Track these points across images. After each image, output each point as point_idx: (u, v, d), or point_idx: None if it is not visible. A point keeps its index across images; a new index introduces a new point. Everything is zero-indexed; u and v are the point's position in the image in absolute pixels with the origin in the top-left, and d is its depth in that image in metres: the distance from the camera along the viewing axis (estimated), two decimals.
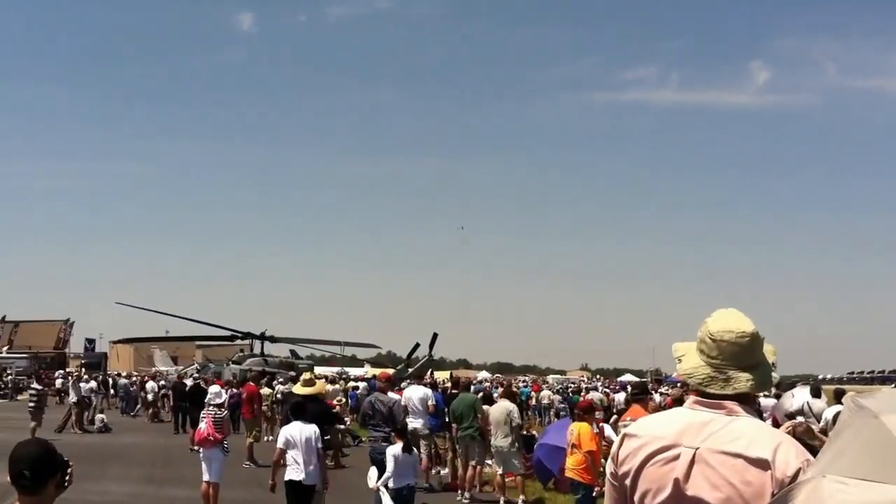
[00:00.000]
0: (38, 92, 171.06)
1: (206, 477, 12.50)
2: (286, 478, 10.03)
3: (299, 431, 10.07)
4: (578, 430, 10.78)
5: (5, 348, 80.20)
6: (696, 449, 2.50)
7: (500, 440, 13.95)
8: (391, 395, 13.19)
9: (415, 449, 10.53)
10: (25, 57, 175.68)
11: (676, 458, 2.53)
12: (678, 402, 13.93)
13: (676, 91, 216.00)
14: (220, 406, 13.22)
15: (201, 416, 13.09)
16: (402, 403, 14.06)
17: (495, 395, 21.02)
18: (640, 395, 11.34)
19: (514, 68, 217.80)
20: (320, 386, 13.84)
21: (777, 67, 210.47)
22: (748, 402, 2.62)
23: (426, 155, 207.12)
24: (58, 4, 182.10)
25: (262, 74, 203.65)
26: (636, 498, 2.63)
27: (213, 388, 13.96)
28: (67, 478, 3.84)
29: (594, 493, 10.65)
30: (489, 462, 15.71)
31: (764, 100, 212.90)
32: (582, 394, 31.82)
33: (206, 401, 13.37)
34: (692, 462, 2.49)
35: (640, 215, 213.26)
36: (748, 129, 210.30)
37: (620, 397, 28.93)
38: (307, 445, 9.97)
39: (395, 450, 10.07)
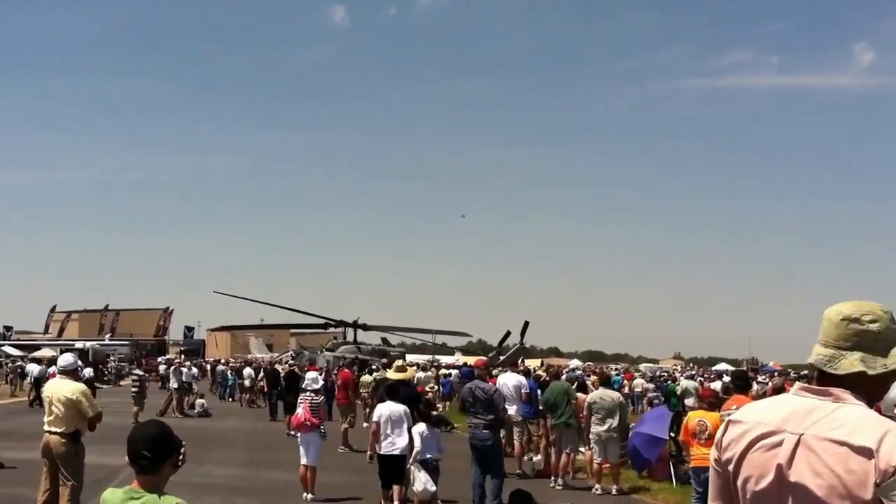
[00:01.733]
0: (137, 86, 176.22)
1: (303, 461, 12.77)
2: (379, 451, 11.52)
3: (390, 410, 11.51)
4: (713, 421, 10.52)
5: (108, 336, 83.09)
6: (801, 435, 2.46)
7: (605, 428, 13.91)
8: (490, 383, 13.28)
9: (437, 428, 11.62)
10: (124, 53, 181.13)
11: (780, 444, 2.50)
12: (779, 390, 13.65)
13: (776, 75, 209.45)
14: (316, 392, 13.45)
15: (298, 401, 13.37)
16: None
17: (588, 382, 20.88)
18: (742, 384, 11.10)
19: (605, 56, 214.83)
20: (411, 372, 15.22)
21: (882, 49, 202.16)
22: (861, 390, 2.56)
23: (516, 144, 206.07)
24: (156, 1, 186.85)
25: (353, 66, 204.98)
26: (739, 483, 2.60)
27: (311, 375, 14.19)
28: (181, 458, 3.99)
29: None
30: (581, 449, 15.66)
31: (868, 82, 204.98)
32: (678, 382, 31.36)
33: (303, 386, 13.64)
34: (795, 448, 2.46)
35: (736, 203, 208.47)
36: (852, 112, 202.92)
37: (717, 386, 28.37)
38: (397, 422, 11.39)
39: (420, 428, 11.16)
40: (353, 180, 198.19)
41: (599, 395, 14.46)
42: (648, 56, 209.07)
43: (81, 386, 9.86)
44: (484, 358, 15.18)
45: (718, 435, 2.74)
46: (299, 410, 13.13)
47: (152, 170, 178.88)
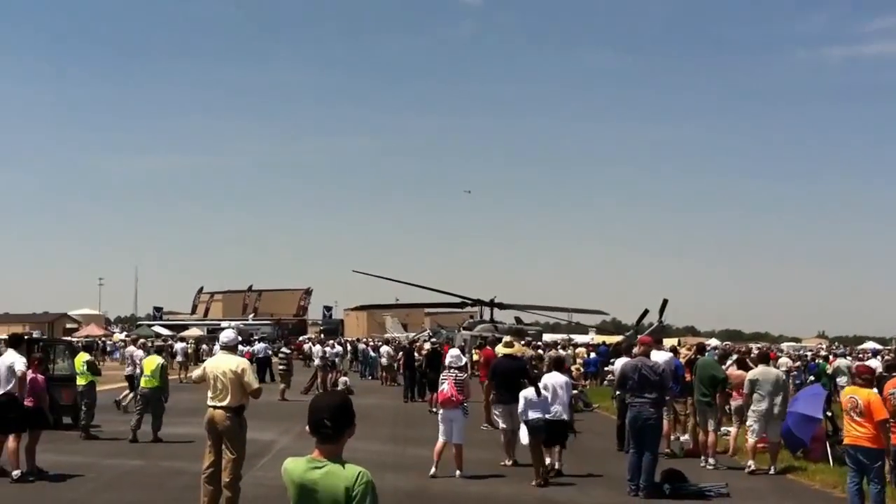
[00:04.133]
0: (277, 72, 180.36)
1: (442, 437, 12.96)
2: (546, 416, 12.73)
3: (554, 380, 13.34)
4: (864, 398, 10.08)
5: (251, 316, 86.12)
6: None
7: (767, 406, 13.66)
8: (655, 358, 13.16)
9: (543, 392, 12.94)
10: (264, 40, 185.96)
11: None
12: None
13: None
14: (460, 369, 13.57)
15: (442, 377, 13.54)
16: None
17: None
18: None
19: (743, 25, 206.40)
20: (518, 348, 17.14)
21: None
22: None
23: (653, 120, 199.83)
24: None
25: (489, 46, 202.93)
26: None
27: (454, 352, 14.30)
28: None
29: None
30: (727, 429, 15.37)
31: None
32: (830, 360, 30.26)
33: (447, 364, 13.77)
34: None
35: (880, 175, 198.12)
36: None
37: (875, 364, 27.16)
38: (559, 391, 13.19)
39: (527, 393, 12.72)
40: (488, 160, 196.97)
41: (761, 372, 14.21)
42: (789, 24, 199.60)
43: (244, 360, 10.15)
44: (648, 337, 14.85)
45: None
46: (444, 387, 13.26)
47: (293, 153, 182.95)
